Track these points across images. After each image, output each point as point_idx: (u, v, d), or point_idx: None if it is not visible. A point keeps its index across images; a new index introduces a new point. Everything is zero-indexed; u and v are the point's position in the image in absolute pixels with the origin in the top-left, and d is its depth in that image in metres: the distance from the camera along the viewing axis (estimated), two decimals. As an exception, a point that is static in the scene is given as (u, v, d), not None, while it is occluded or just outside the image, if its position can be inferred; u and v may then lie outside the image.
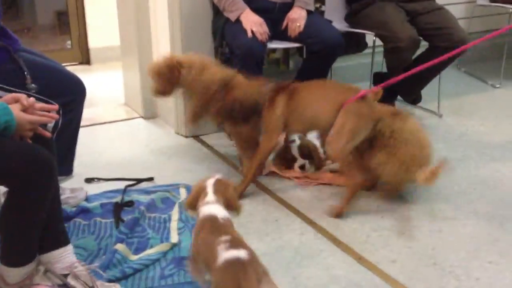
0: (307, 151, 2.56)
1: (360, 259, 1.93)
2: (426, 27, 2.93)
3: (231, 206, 1.66)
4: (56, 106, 1.65)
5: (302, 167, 2.55)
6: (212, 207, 1.60)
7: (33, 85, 1.96)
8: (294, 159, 2.57)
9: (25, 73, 1.97)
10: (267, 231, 2.13)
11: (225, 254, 1.44)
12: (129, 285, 1.78)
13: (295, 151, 2.56)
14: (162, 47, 3.05)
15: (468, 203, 2.29)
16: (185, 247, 1.97)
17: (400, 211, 2.25)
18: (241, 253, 1.45)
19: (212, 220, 1.57)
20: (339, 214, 2.20)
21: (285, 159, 2.59)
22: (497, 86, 3.73)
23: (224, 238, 1.49)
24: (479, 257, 1.93)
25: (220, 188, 1.66)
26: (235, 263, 1.43)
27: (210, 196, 1.63)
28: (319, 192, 2.42)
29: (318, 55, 2.77)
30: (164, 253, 1.93)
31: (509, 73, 3.83)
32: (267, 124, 2.30)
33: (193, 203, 1.66)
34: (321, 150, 2.58)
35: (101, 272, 1.77)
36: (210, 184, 1.66)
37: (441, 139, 2.91)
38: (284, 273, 1.86)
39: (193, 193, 1.68)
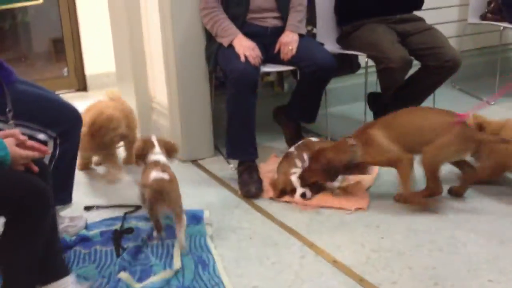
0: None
1: (361, 281, 1.93)
2: (417, 47, 2.97)
3: (171, 153, 2.32)
4: (46, 150, 1.67)
5: (303, 195, 2.53)
6: (158, 156, 2.25)
7: (11, 121, 1.94)
8: (293, 190, 2.55)
9: (7, 109, 1.93)
10: (267, 254, 2.13)
11: (154, 174, 2.12)
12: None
13: (295, 182, 2.54)
14: (157, 73, 3.08)
15: (468, 221, 2.30)
16: (188, 275, 1.96)
17: (400, 231, 2.25)
18: (165, 175, 2.12)
19: (156, 163, 2.20)
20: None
21: (284, 191, 2.58)
22: (491, 103, 3.75)
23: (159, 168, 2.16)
24: (480, 275, 1.93)
25: (161, 142, 2.30)
26: (160, 180, 2.10)
27: (157, 148, 2.27)
28: (317, 214, 2.42)
29: (311, 78, 2.79)
30: (168, 281, 1.92)
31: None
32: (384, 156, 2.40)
33: (141, 155, 2.26)
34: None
35: None
36: (154, 139, 2.29)
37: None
38: (285, 297, 1.86)
39: (140, 146, 2.27)
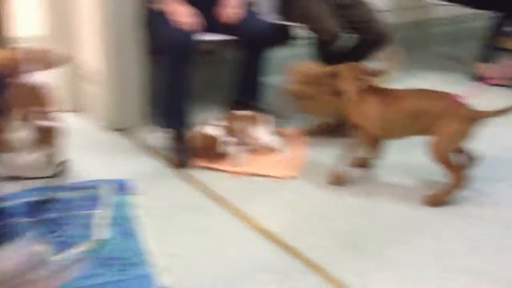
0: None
1: (285, 246, 1.99)
2: (350, 20, 3.03)
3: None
4: None
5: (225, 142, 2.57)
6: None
7: None
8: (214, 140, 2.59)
9: None
10: (194, 222, 2.15)
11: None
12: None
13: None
14: (86, 38, 2.99)
15: (386, 187, 2.41)
16: (113, 245, 1.96)
17: (324, 199, 2.33)
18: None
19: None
20: (439, 203, 2.26)
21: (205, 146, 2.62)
22: (416, 75, 3.90)
23: None
24: (394, 238, 2.04)
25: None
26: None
27: None
28: (247, 182, 2.46)
29: (250, 46, 2.79)
30: (90, 251, 1.92)
31: (424, 63, 4.00)
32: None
33: None
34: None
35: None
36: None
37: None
38: (211, 264, 1.90)
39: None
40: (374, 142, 2.45)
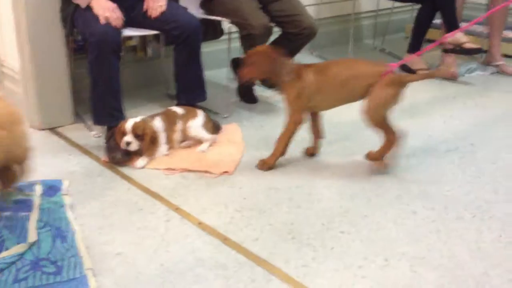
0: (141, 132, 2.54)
1: (225, 240, 2.00)
2: (277, 14, 3.07)
3: None
4: None
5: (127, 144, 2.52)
6: None
7: None
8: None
9: None
10: (132, 220, 2.12)
11: None
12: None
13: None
14: (6, 34, 2.86)
15: (323, 179, 2.46)
16: (45, 248, 1.89)
17: (261, 191, 2.35)
18: None
19: None
20: (382, 167, 2.49)
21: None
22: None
23: None
24: (333, 228, 2.09)
25: None
26: None
27: None
28: (183, 179, 2.45)
29: (179, 42, 2.77)
30: (21, 255, 1.84)
31: (355, 56, 4.13)
32: (295, 100, 2.44)
33: None
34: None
35: None
36: None
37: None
38: (151, 261, 1.87)
39: None
40: (313, 119, 2.60)
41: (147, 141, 2.53)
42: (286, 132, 2.51)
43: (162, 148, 2.61)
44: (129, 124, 2.52)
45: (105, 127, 2.72)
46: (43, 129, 2.88)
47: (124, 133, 2.53)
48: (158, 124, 2.61)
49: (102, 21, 2.53)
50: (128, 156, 2.55)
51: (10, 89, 3.01)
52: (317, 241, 2.00)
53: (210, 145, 2.71)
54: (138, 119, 2.56)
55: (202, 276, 1.80)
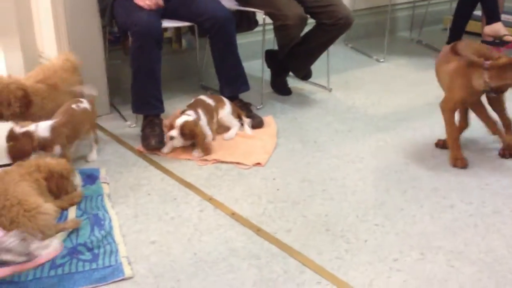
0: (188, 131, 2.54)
1: (258, 231, 1.99)
2: (312, 5, 3.03)
3: None
4: None
5: (171, 138, 2.54)
6: None
7: None
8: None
9: None
10: (166, 210, 2.13)
11: None
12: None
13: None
14: (45, 25, 2.91)
15: (357, 171, 2.43)
16: (83, 236, 1.92)
17: (295, 183, 2.34)
18: None
19: None
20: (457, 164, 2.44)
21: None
22: (381, 60, 3.94)
23: None
24: (367, 220, 2.06)
25: None
26: None
27: None
28: (216, 169, 2.45)
29: (213, 34, 2.77)
30: (60, 241, 1.86)
31: (391, 48, 4.06)
32: None
33: None
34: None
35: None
36: None
37: (331, 112, 3.05)
38: (185, 250, 1.88)
39: None
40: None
41: (201, 142, 2.54)
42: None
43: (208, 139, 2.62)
44: (180, 120, 2.53)
45: (141, 117, 2.75)
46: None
47: (172, 127, 2.55)
48: (203, 119, 2.62)
49: (146, 7, 2.56)
50: (162, 144, 2.57)
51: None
52: (351, 233, 1.98)
53: (244, 135, 2.71)
54: (190, 118, 2.56)
55: (235, 266, 1.80)
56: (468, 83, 2.38)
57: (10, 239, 1.61)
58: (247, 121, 2.79)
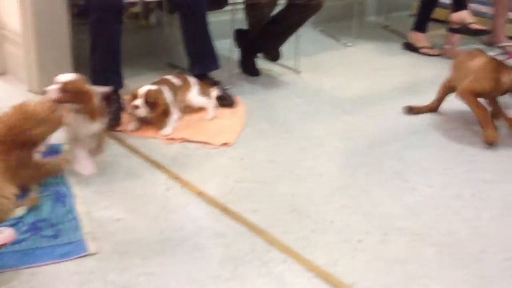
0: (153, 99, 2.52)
1: (225, 210, 1.99)
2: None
3: None
4: None
5: (136, 107, 2.50)
6: None
7: None
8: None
9: None
10: (132, 187, 2.11)
11: None
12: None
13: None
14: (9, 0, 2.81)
15: (324, 154, 2.45)
16: (45, 211, 1.88)
17: (263, 163, 2.35)
18: None
19: None
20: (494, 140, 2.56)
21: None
22: (348, 44, 3.97)
23: None
24: (333, 201, 2.09)
25: None
26: None
27: None
28: (183, 148, 2.43)
29: (183, 10, 2.72)
30: (21, 218, 1.84)
31: (359, 33, 4.10)
32: None
33: None
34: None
35: None
36: None
37: (299, 94, 3.06)
38: (151, 227, 1.87)
39: None
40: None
41: (159, 112, 2.51)
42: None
43: (173, 118, 2.59)
44: (143, 89, 2.49)
45: None
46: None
47: (135, 97, 2.50)
48: (168, 94, 2.59)
49: None
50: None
51: (11, 52, 2.97)
52: (318, 214, 2.00)
53: (210, 114, 2.70)
54: (153, 87, 2.53)
55: (201, 244, 1.80)
56: (497, 78, 2.57)
57: None
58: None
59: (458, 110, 2.87)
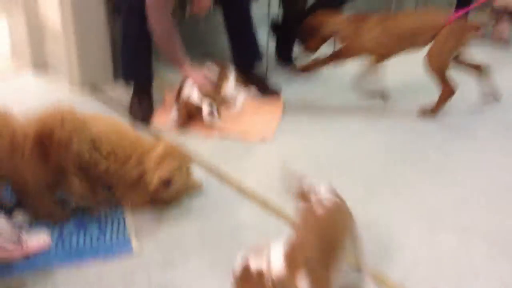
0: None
1: (265, 205, 1.98)
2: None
3: None
4: None
5: (211, 114, 2.51)
6: None
7: None
8: (198, 109, 2.52)
9: None
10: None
11: None
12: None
13: (197, 100, 2.51)
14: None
15: (365, 145, 2.40)
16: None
17: (301, 157, 2.31)
18: None
19: None
20: (433, 113, 2.61)
21: (189, 114, 2.55)
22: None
23: None
24: (377, 195, 2.05)
25: None
26: None
27: None
28: (221, 142, 2.43)
29: (227, 2, 2.70)
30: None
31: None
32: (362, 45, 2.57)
33: None
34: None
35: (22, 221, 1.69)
36: None
37: (337, 85, 3.01)
38: (192, 224, 1.87)
39: None
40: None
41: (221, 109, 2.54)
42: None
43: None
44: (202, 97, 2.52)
45: (135, 83, 2.70)
46: (83, 87, 2.89)
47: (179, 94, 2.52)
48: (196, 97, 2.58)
49: None
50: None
51: (52, 48, 3.02)
52: (361, 208, 1.91)
53: (248, 108, 2.70)
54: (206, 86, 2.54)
55: (245, 239, 1.80)
56: None
57: (5, 225, 1.60)
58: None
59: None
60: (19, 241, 1.58)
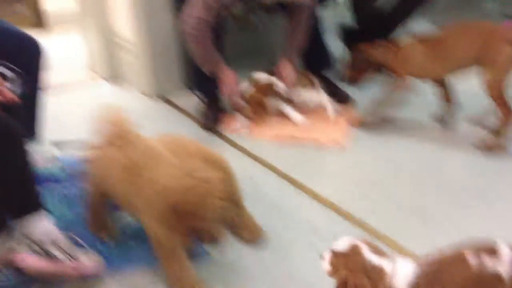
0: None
1: (339, 211, 1.92)
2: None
3: None
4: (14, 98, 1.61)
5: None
6: None
7: None
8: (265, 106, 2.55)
9: None
10: (243, 188, 2.08)
11: None
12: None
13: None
14: (120, 6, 2.92)
15: (451, 152, 2.30)
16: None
17: (376, 164, 2.25)
18: None
19: None
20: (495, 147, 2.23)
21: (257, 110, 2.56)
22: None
23: None
24: (458, 203, 1.95)
25: None
26: None
27: None
28: (294, 148, 2.39)
29: (292, 7, 2.67)
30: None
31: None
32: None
33: None
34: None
35: (79, 239, 1.69)
36: None
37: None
38: (264, 227, 1.83)
39: None
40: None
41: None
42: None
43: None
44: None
45: (205, 93, 2.71)
46: (154, 97, 2.95)
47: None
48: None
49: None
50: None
51: (124, 59, 3.10)
52: (442, 216, 1.87)
53: (329, 114, 2.64)
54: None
55: (315, 245, 1.75)
56: None
57: (64, 239, 1.62)
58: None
59: None
60: (73, 257, 1.58)
